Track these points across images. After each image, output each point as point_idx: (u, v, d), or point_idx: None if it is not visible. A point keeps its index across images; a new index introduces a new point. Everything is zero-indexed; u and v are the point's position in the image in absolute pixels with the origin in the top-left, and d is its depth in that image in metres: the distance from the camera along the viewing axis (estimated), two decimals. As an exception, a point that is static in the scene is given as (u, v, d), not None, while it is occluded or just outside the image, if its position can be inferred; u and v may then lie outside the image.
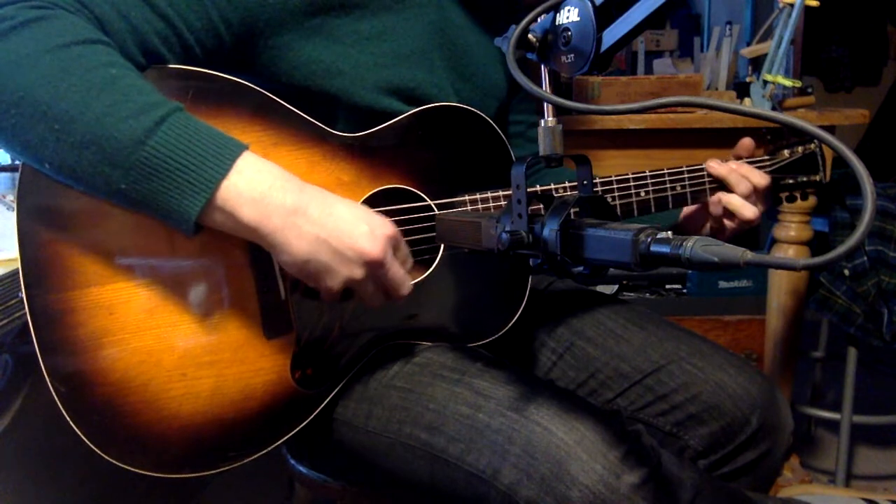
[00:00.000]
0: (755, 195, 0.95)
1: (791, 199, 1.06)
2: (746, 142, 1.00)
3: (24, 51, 0.65)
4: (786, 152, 1.04)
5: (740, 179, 0.94)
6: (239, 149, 0.69)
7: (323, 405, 0.83)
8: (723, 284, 1.89)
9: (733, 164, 0.96)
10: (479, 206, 0.87)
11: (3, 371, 1.12)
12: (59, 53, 0.65)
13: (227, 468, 0.78)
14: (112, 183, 0.67)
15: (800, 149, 1.04)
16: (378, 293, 0.77)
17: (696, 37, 2.66)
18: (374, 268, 0.74)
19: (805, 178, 1.05)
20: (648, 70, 2.36)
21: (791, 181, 1.04)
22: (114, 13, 0.71)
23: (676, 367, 0.94)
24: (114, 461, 0.72)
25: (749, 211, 0.94)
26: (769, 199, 0.99)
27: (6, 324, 0.97)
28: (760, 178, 0.95)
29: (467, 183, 0.88)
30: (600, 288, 1.95)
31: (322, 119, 0.81)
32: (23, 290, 0.70)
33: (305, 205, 0.71)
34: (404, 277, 0.77)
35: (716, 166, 0.95)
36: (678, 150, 1.48)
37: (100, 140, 0.65)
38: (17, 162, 0.71)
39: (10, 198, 1.26)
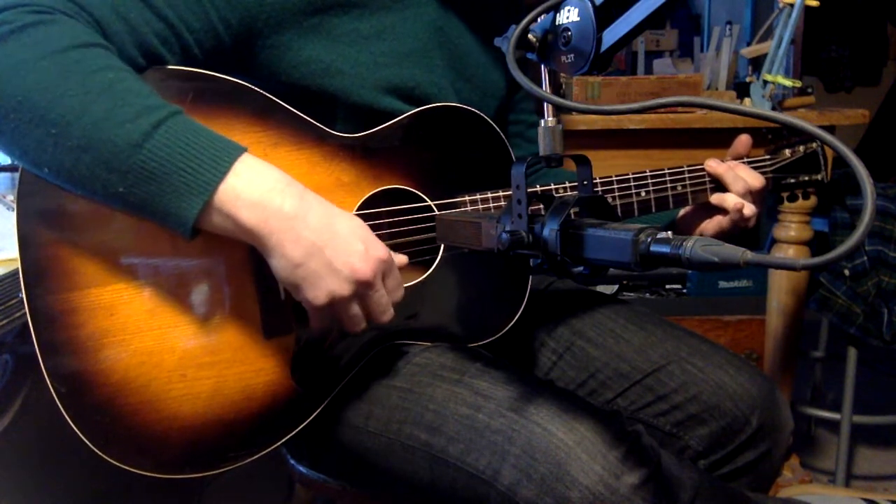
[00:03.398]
0: (751, 196, 0.95)
1: (792, 199, 1.06)
2: (743, 139, 1.00)
3: (22, 55, 0.65)
4: (787, 152, 1.04)
5: (736, 178, 0.94)
6: (237, 151, 0.69)
7: (323, 405, 0.83)
8: (723, 284, 1.90)
9: (731, 164, 0.96)
10: (480, 206, 0.87)
11: (3, 371, 1.12)
12: (56, 58, 0.65)
13: (227, 468, 0.78)
14: (109, 186, 0.66)
15: (801, 148, 1.04)
16: (359, 316, 0.75)
17: (696, 37, 2.67)
18: (362, 288, 0.73)
19: (806, 178, 1.05)
20: (648, 70, 2.37)
21: (792, 180, 1.04)
22: (113, 15, 0.71)
23: (676, 367, 0.94)
24: (114, 462, 0.72)
25: (747, 209, 0.94)
26: (765, 200, 0.99)
27: (6, 324, 0.96)
28: (755, 180, 0.95)
29: (467, 183, 0.88)
30: (600, 288, 1.95)
31: (321, 118, 0.81)
32: (23, 291, 0.70)
33: (305, 212, 0.70)
34: (388, 304, 0.75)
35: (713, 165, 0.95)
36: (678, 150, 1.48)
37: (97, 144, 0.65)
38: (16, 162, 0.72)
39: (10, 198, 1.26)
